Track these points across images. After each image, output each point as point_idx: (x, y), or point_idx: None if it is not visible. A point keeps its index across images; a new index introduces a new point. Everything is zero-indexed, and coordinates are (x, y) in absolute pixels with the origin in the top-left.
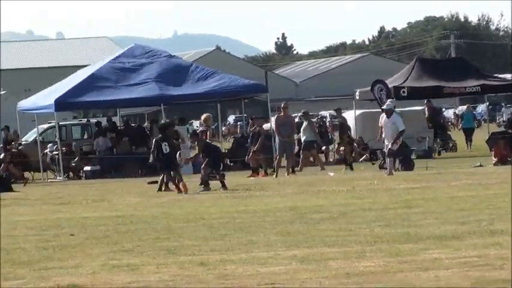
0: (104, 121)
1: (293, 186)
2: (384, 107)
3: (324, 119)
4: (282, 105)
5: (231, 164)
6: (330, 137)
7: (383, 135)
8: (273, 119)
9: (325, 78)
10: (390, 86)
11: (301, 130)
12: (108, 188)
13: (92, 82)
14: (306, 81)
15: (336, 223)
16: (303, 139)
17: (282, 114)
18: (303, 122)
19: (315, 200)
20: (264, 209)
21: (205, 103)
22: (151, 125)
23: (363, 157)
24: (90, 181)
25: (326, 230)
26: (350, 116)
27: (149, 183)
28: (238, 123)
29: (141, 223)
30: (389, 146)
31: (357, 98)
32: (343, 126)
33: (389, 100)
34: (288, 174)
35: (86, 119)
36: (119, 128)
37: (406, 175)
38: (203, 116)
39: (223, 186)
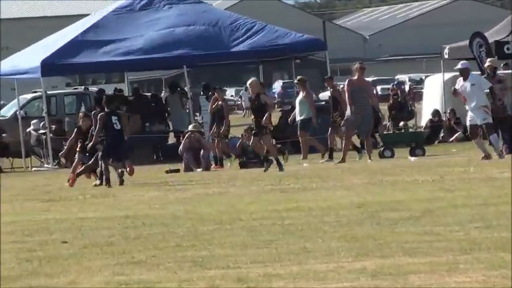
0: (108, 89)
1: (362, 175)
2: (459, 66)
3: (403, 86)
4: (357, 65)
5: (279, 145)
6: (410, 108)
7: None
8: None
9: (402, 31)
10: (490, 40)
11: (297, 104)
12: (112, 178)
13: (90, 37)
14: (377, 35)
15: (418, 224)
16: (298, 118)
17: (357, 77)
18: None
19: (390, 193)
20: (323, 206)
21: (243, 65)
22: (171, 94)
23: (456, 135)
24: None
25: (406, 234)
26: (436, 82)
27: (168, 171)
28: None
29: (157, 226)
30: (484, 118)
31: (446, 56)
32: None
33: (462, 62)
34: (369, 158)
35: (83, 87)
36: (127, 98)
37: None
38: (249, 81)
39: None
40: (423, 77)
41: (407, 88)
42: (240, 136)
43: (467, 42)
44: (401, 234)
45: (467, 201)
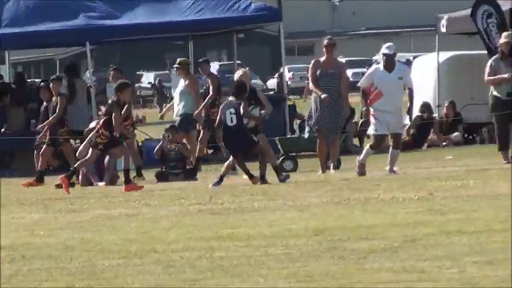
0: None
1: (321, 191)
2: (385, 50)
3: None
4: (326, 42)
5: (210, 152)
6: None
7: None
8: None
9: None
10: (505, 7)
11: (176, 96)
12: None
13: None
14: (349, 1)
15: (396, 258)
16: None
17: (325, 57)
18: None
19: (359, 216)
20: (267, 234)
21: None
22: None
23: (452, 137)
24: None
25: (379, 271)
26: (428, 64)
27: (58, 186)
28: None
29: (41, 259)
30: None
31: (443, 30)
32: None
33: (388, 45)
34: (329, 169)
35: None
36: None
37: None
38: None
39: None
40: (411, 58)
41: None
42: (161, 138)
43: (469, 11)
44: (373, 272)
45: (463, 226)
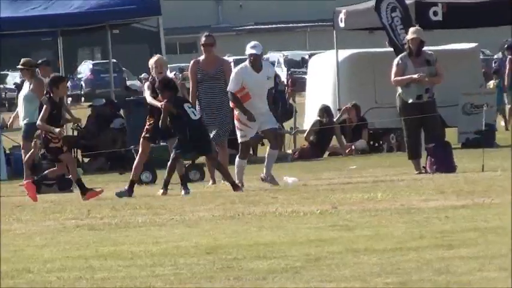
0: None
1: (213, 204)
2: (251, 50)
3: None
4: (203, 40)
5: (86, 158)
6: (288, 104)
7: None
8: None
9: None
10: (409, 1)
11: (20, 102)
12: None
13: None
14: None
15: (299, 279)
16: (22, 122)
17: (204, 57)
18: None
19: (256, 232)
20: (154, 251)
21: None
22: None
23: (355, 144)
24: None
25: None
26: (326, 63)
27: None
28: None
29: None
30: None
31: (342, 25)
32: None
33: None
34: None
35: None
36: None
37: (445, 180)
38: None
39: None
40: (306, 56)
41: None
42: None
43: (369, 4)
44: None
45: (372, 244)
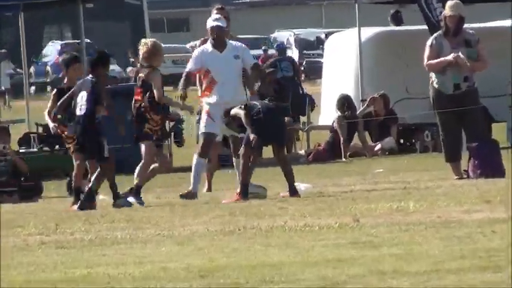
0: None
1: (210, 215)
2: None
3: (284, 50)
4: (214, 11)
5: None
6: (302, 92)
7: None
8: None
9: None
10: None
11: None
12: None
13: None
14: None
15: None
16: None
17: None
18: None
19: (261, 250)
20: (136, 275)
21: None
22: None
23: (382, 143)
24: None
25: None
26: (346, 44)
27: None
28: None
29: None
30: None
31: None
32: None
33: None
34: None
35: None
36: None
37: (491, 187)
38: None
39: None
40: (322, 35)
41: (294, 54)
42: None
43: None
44: None
45: (403, 265)
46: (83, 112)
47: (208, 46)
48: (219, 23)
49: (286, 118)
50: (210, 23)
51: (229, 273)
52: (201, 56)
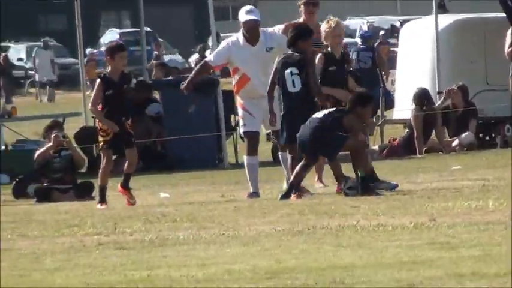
0: None
1: (277, 214)
2: None
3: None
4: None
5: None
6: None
7: None
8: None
9: None
10: None
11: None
12: None
13: None
14: None
15: None
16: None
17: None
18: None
19: (331, 251)
20: (200, 277)
21: None
22: None
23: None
24: None
25: None
26: (424, 31)
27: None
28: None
29: None
30: None
31: None
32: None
33: None
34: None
35: None
36: None
37: None
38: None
39: None
40: (397, 23)
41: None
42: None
43: None
44: None
45: (481, 267)
46: None
47: (240, 38)
48: (253, 16)
49: None
50: (243, 16)
51: (298, 276)
52: (229, 50)
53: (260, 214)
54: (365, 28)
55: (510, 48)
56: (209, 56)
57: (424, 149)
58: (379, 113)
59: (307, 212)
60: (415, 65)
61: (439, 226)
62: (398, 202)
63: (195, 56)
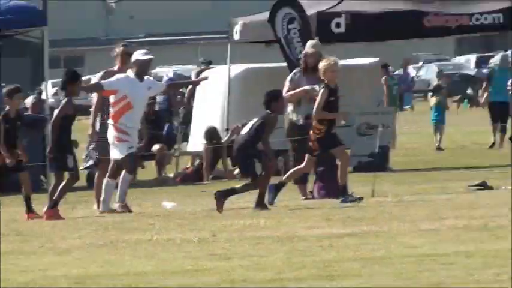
0: None
1: (84, 231)
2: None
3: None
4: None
5: None
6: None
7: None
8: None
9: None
10: (310, 12)
11: None
12: None
13: None
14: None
15: None
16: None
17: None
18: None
19: (129, 261)
20: (21, 281)
21: None
22: None
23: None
24: None
25: None
26: (218, 78)
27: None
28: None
29: None
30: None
31: (236, 37)
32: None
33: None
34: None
35: None
36: None
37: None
38: None
39: None
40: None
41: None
42: None
43: (267, 14)
44: None
45: (249, 274)
46: None
47: (130, 74)
48: (150, 56)
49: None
50: (141, 56)
51: (100, 281)
52: (122, 80)
53: (72, 230)
54: (171, 75)
55: (288, 93)
56: (102, 82)
57: (211, 177)
58: (176, 146)
59: (110, 228)
60: (209, 105)
61: (218, 240)
62: (186, 220)
63: (29, 99)
